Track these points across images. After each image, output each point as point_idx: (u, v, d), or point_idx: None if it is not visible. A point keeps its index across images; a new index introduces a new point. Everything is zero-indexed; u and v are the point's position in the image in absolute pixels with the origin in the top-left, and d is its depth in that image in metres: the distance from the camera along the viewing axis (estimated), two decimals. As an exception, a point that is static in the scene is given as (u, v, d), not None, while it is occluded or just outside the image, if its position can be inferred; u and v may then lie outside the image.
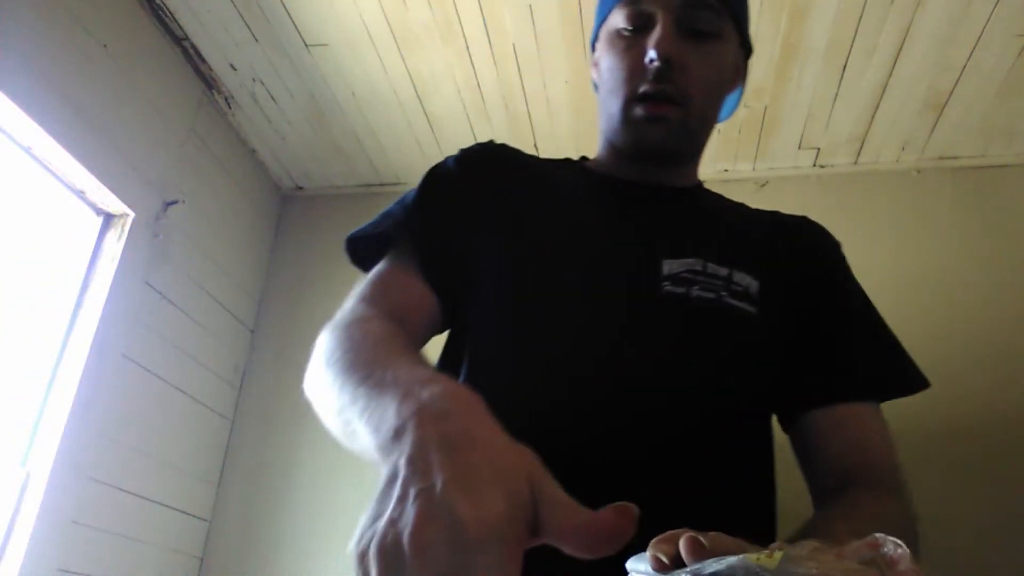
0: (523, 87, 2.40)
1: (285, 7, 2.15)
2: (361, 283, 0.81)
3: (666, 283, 0.77)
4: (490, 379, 0.72)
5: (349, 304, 0.77)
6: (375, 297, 0.77)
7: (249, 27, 2.22)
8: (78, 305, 1.97)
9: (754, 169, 2.71)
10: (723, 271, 0.79)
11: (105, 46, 2.01)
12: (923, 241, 2.52)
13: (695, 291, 0.77)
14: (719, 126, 2.54)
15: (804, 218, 0.96)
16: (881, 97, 2.38)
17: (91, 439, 1.91)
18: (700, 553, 0.36)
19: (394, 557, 0.33)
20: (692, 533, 0.38)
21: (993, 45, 2.17)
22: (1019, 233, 2.48)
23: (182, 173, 2.32)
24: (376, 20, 2.19)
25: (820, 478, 0.80)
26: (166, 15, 2.20)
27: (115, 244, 2.06)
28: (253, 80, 2.42)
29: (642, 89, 0.82)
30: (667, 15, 0.82)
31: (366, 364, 0.55)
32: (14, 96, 1.71)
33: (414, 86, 2.41)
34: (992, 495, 2.12)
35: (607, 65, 0.87)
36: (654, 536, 0.61)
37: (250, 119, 2.58)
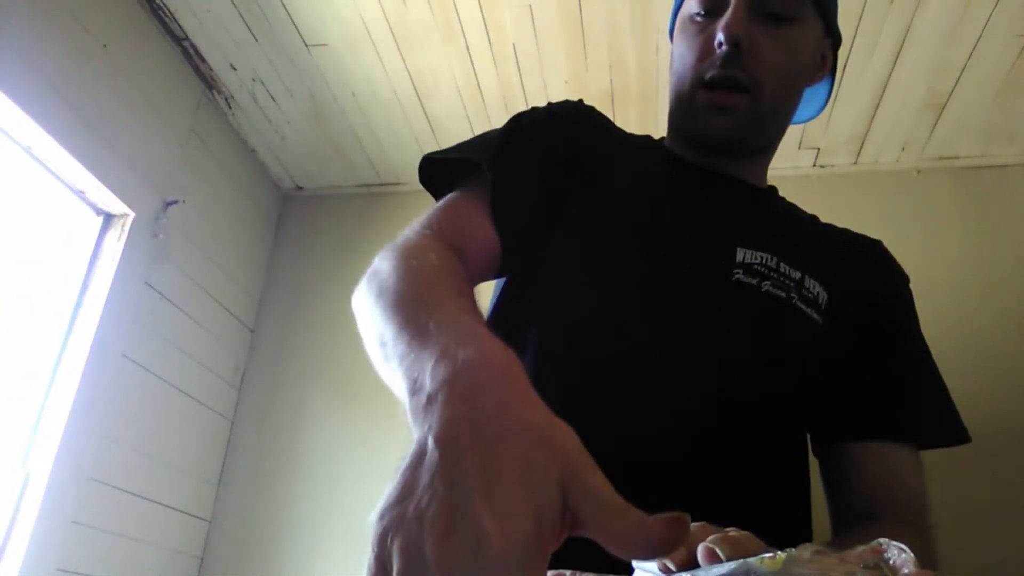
0: (523, 87, 2.40)
1: (285, 7, 2.15)
2: (428, 210, 0.76)
3: (738, 271, 0.74)
4: (559, 351, 0.70)
5: (411, 229, 0.72)
6: (439, 226, 0.71)
7: (249, 27, 2.22)
8: (78, 305, 1.97)
9: (754, 169, 2.71)
10: (796, 274, 0.76)
11: (105, 46, 2.01)
12: (923, 241, 2.52)
13: (766, 286, 0.74)
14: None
15: (878, 243, 0.94)
16: (881, 97, 2.38)
17: (91, 439, 1.90)
18: (716, 561, 0.36)
19: (418, 561, 0.32)
20: (713, 539, 0.38)
21: (993, 45, 2.17)
22: (1019, 233, 2.48)
23: (182, 173, 2.32)
24: (376, 20, 2.19)
25: (845, 508, 0.78)
26: (166, 15, 2.20)
27: (115, 244, 2.06)
28: (253, 80, 2.42)
29: (709, 75, 0.78)
30: None
31: (414, 302, 0.53)
32: (14, 96, 1.71)
33: (414, 86, 2.41)
34: (992, 495, 2.12)
35: (678, 51, 0.83)
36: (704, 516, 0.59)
37: (250, 119, 2.58)
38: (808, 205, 2.69)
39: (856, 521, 0.75)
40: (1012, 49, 2.19)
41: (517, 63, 2.31)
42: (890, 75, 2.29)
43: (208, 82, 2.44)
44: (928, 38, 2.16)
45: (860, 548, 0.32)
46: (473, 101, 2.46)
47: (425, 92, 2.43)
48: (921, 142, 2.56)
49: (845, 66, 2.27)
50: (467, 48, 2.27)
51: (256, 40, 2.27)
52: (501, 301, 0.81)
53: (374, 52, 2.29)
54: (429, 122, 2.55)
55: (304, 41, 2.26)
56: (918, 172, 2.65)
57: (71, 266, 1.99)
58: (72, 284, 1.98)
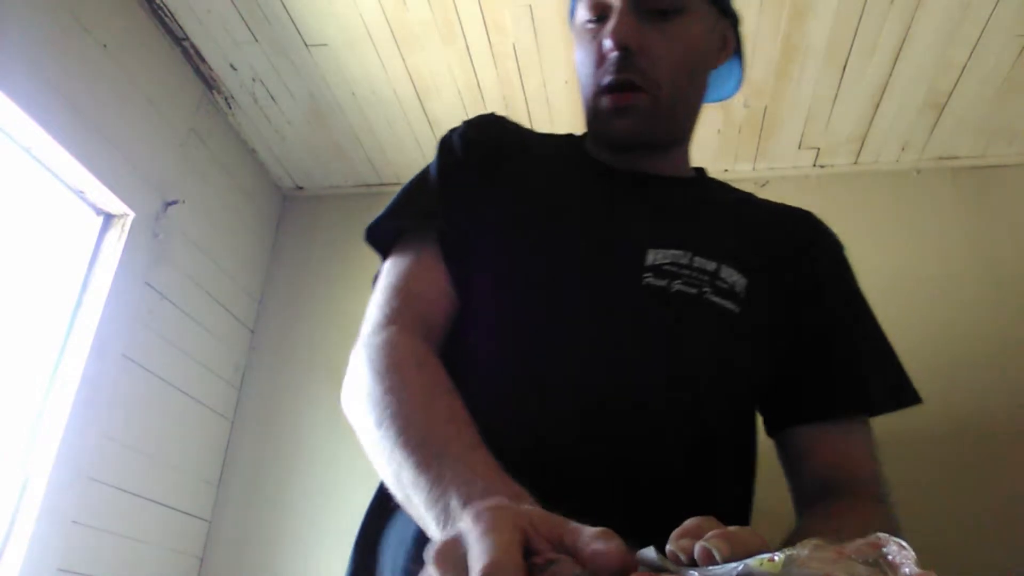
0: (523, 87, 2.40)
1: (285, 7, 2.15)
2: (384, 278, 0.80)
3: (648, 274, 0.75)
4: (479, 361, 0.72)
5: (376, 316, 0.75)
6: (402, 310, 0.75)
7: (249, 27, 2.22)
8: (78, 305, 1.97)
9: (754, 169, 2.71)
10: (711, 265, 0.76)
11: (105, 46, 2.01)
12: (923, 241, 2.52)
13: (677, 285, 0.74)
14: (719, 127, 2.55)
15: (808, 214, 0.93)
16: (881, 97, 2.38)
17: (91, 439, 1.90)
18: (713, 562, 0.36)
19: None
20: (710, 537, 0.38)
21: (993, 45, 2.17)
22: (1019, 233, 2.48)
23: (182, 173, 2.32)
24: (376, 20, 2.19)
25: (804, 486, 0.79)
26: (166, 15, 2.20)
27: (115, 244, 2.06)
28: (253, 80, 2.42)
29: (605, 81, 0.79)
30: (623, 0, 0.79)
31: (421, 444, 0.59)
32: (14, 96, 1.71)
33: (414, 86, 2.41)
34: (993, 495, 2.12)
35: (578, 59, 0.85)
36: (632, 525, 0.61)
37: (250, 119, 2.58)
38: (808, 205, 2.69)
39: (816, 498, 0.75)
40: (1012, 49, 2.19)
41: (517, 63, 2.31)
42: (890, 75, 2.30)
43: (208, 82, 2.44)
44: (928, 38, 2.16)
45: (859, 541, 0.32)
46: (473, 101, 2.46)
47: (425, 92, 2.44)
48: (921, 142, 2.56)
49: (845, 66, 2.27)
50: (467, 48, 2.27)
51: (256, 40, 2.27)
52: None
53: (374, 52, 2.29)
54: (429, 122, 2.55)
55: (304, 41, 2.26)
56: (918, 172, 2.65)
57: (71, 266, 1.99)
58: (72, 284, 1.98)
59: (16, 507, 1.74)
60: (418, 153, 2.69)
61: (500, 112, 2.58)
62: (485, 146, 0.87)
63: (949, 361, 2.32)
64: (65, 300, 1.95)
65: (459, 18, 2.16)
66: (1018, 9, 2.05)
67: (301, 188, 2.93)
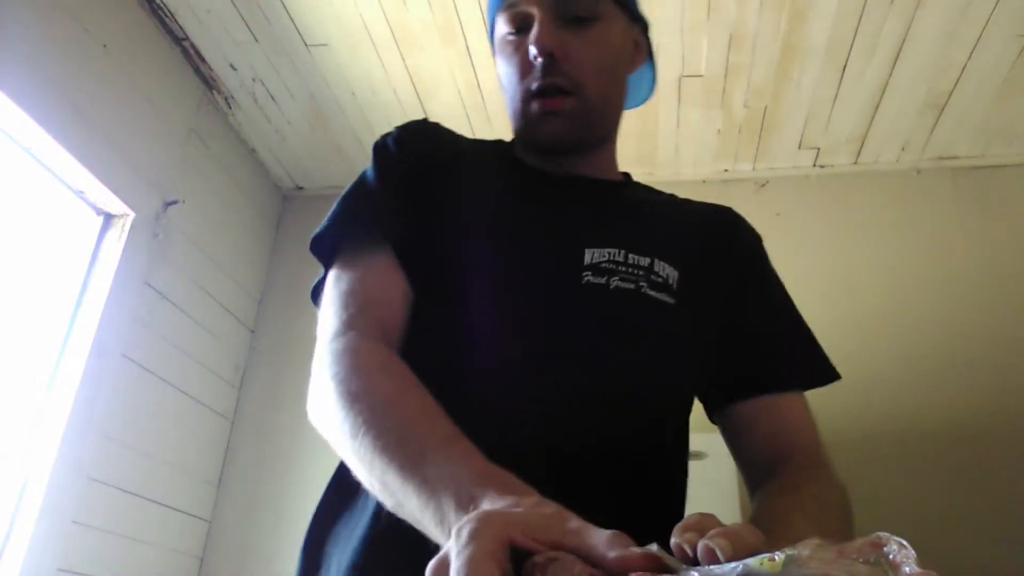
0: (523, 87, 2.40)
1: (285, 7, 2.15)
2: (336, 286, 0.82)
3: (587, 273, 0.78)
4: (423, 369, 0.73)
5: (333, 324, 0.77)
6: (357, 317, 0.76)
7: (249, 27, 2.22)
8: (78, 305, 1.97)
9: (754, 169, 2.71)
10: (644, 261, 0.80)
11: (105, 46, 2.01)
12: (923, 241, 2.52)
13: (615, 282, 0.78)
14: (719, 127, 2.55)
15: (728, 209, 0.97)
16: (881, 97, 2.38)
17: (91, 439, 1.90)
18: (715, 561, 0.36)
19: None
20: (713, 535, 0.38)
21: (993, 45, 2.17)
22: (1019, 233, 2.48)
23: (182, 173, 2.32)
24: (376, 20, 2.19)
25: (751, 459, 0.83)
26: (166, 15, 2.20)
27: (115, 244, 2.06)
28: (253, 80, 2.42)
29: (533, 86, 0.83)
30: (543, 10, 0.83)
31: (401, 445, 0.60)
32: (14, 96, 1.71)
33: (414, 86, 2.41)
34: (993, 495, 2.12)
35: (502, 71, 0.89)
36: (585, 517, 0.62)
37: (250, 119, 2.58)
38: (808, 205, 2.68)
39: (765, 472, 0.78)
40: (1012, 49, 2.19)
41: (517, 63, 2.31)
42: (890, 75, 2.30)
43: (208, 82, 2.44)
44: (928, 38, 2.16)
45: (859, 541, 0.32)
46: (473, 101, 2.46)
47: (425, 92, 2.44)
48: (921, 142, 2.57)
49: (845, 66, 2.27)
50: (467, 48, 2.27)
51: (256, 40, 2.27)
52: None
53: (374, 52, 2.29)
54: (429, 122, 2.55)
55: (304, 41, 2.26)
56: (918, 172, 2.65)
57: (71, 266, 1.99)
58: (72, 284, 1.98)
59: (16, 507, 1.74)
60: (418, 153, 2.69)
61: (500, 112, 2.59)
62: (419, 152, 0.90)
63: (948, 360, 2.32)
64: (65, 300, 1.95)
65: (459, 18, 2.16)
66: (1018, 9, 2.05)
67: (301, 188, 2.93)
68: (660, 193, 0.97)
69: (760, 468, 0.80)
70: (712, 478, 1.78)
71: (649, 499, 0.74)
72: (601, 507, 0.57)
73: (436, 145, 0.92)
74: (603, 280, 0.78)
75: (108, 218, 2.10)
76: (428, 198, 0.85)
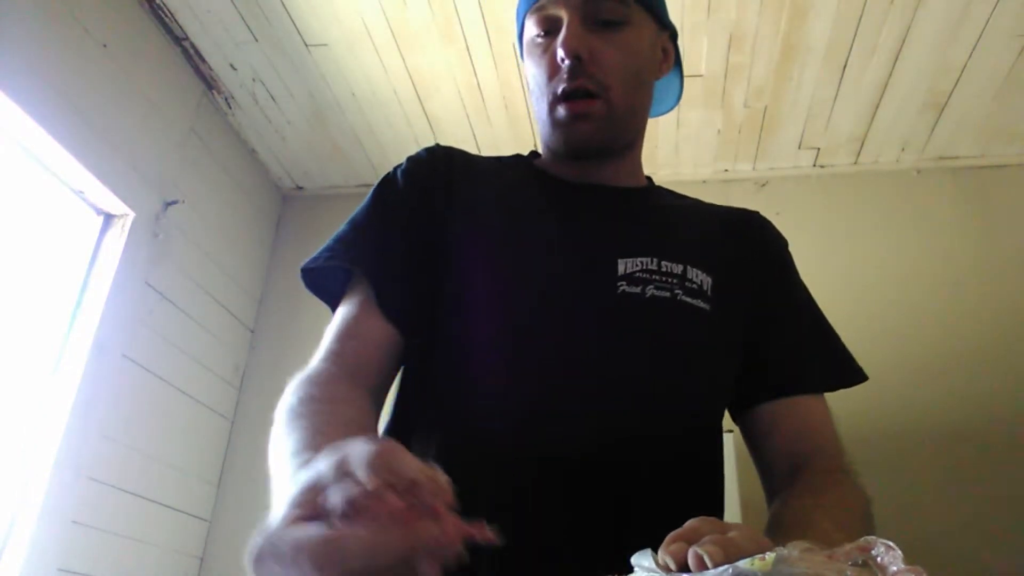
0: (523, 87, 2.40)
1: (285, 7, 2.15)
2: (330, 326, 0.83)
3: (622, 283, 0.79)
4: (458, 390, 0.74)
5: (315, 358, 0.79)
6: (334, 352, 0.78)
7: (249, 27, 2.23)
8: (78, 305, 1.97)
9: (754, 169, 2.71)
10: (678, 268, 0.81)
11: (105, 46, 2.01)
12: (923, 241, 2.52)
13: (650, 290, 0.78)
14: (719, 127, 2.55)
15: (755, 214, 0.98)
16: (881, 97, 2.38)
17: (91, 439, 1.91)
18: (704, 568, 0.36)
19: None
20: (705, 542, 0.38)
21: (993, 45, 2.17)
22: (1019, 233, 2.48)
23: (182, 173, 2.32)
24: (376, 20, 2.19)
25: (772, 465, 0.83)
26: (166, 15, 2.21)
27: (115, 244, 2.06)
28: (253, 80, 2.43)
29: (560, 89, 0.83)
30: (572, 13, 0.84)
31: (306, 448, 0.62)
32: (14, 96, 1.71)
33: (414, 86, 2.41)
34: (994, 494, 2.12)
35: (530, 73, 0.90)
36: (616, 528, 0.62)
37: (250, 119, 2.59)
38: (808, 205, 2.68)
39: (786, 476, 0.79)
40: (1012, 49, 2.19)
41: (517, 63, 2.31)
42: (890, 75, 2.29)
43: (208, 82, 2.44)
44: (928, 38, 2.16)
45: (848, 545, 0.32)
46: (473, 101, 2.46)
47: (425, 92, 2.44)
48: (921, 142, 2.56)
49: (845, 66, 2.27)
50: (467, 48, 2.27)
51: (256, 40, 2.27)
52: (418, 357, 0.85)
53: (374, 52, 2.29)
54: (429, 122, 2.55)
55: (304, 41, 2.27)
56: (918, 172, 2.65)
57: (71, 266, 2.00)
58: (72, 284, 1.98)
59: (16, 507, 1.74)
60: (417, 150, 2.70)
61: (500, 112, 2.60)
62: (431, 177, 0.90)
63: (948, 360, 2.32)
64: (65, 300, 1.96)
65: (459, 18, 2.17)
66: (1018, 9, 2.05)
67: (301, 188, 2.93)
68: (685, 198, 0.97)
69: (781, 471, 0.80)
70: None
71: (686, 503, 0.74)
72: (642, 510, 0.57)
73: (450, 166, 0.91)
74: (639, 289, 0.78)
75: (108, 218, 2.10)
76: (446, 219, 0.85)
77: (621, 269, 0.79)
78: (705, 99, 2.42)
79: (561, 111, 0.84)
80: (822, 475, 0.75)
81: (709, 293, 0.81)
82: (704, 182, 2.72)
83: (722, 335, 0.81)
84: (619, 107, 0.85)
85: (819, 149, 2.62)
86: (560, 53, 0.82)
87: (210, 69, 2.39)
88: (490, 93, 2.42)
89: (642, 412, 0.74)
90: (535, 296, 0.79)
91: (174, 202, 2.26)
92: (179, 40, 2.29)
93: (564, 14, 0.84)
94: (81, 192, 2.01)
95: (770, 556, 0.32)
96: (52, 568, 1.78)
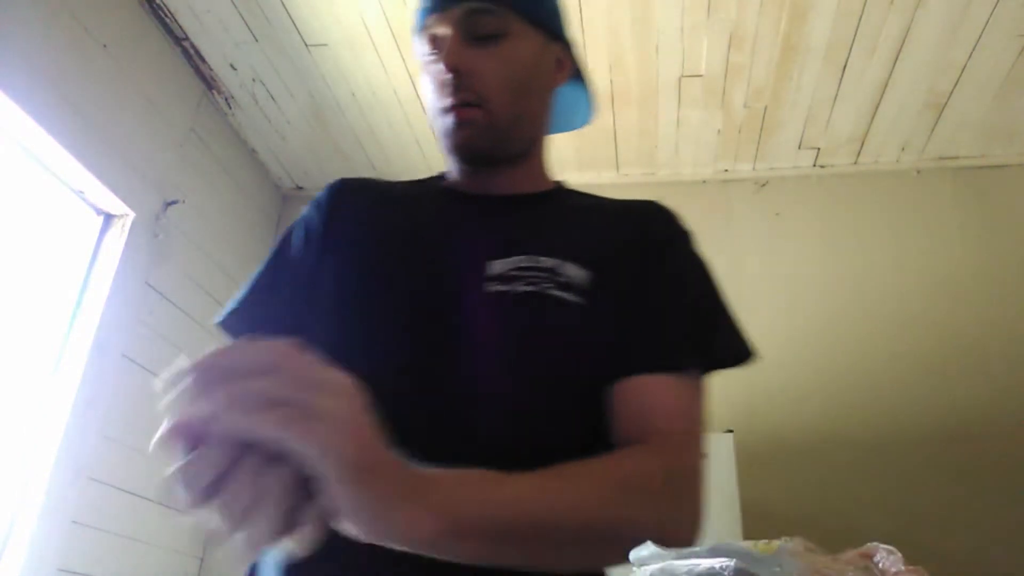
0: (523, 87, 2.40)
1: (285, 7, 2.15)
2: None
3: (493, 283, 0.81)
4: None
5: None
6: None
7: (249, 27, 2.23)
8: (78, 305, 1.97)
9: (754, 169, 2.71)
10: (551, 263, 0.83)
11: (105, 46, 2.01)
12: (923, 241, 2.52)
13: (519, 286, 0.81)
14: (719, 127, 2.55)
15: (650, 203, 0.97)
16: (881, 97, 2.38)
17: (91, 439, 1.91)
18: None
19: None
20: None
21: (993, 45, 2.17)
22: (1019, 233, 2.48)
23: (182, 173, 2.32)
24: (376, 20, 2.19)
25: (615, 445, 0.81)
26: (166, 15, 2.21)
27: (115, 244, 2.06)
28: (253, 80, 2.42)
29: (445, 102, 0.88)
30: (452, 31, 0.88)
31: None
32: (14, 96, 1.71)
33: (414, 86, 2.41)
34: (994, 496, 2.12)
35: (424, 90, 0.94)
36: None
37: (250, 119, 2.59)
38: (808, 205, 2.68)
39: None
40: (1012, 49, 2.19)
41: (517, 63, 2.31)
42: (890, 75, 2.30)
43: (208, 82, 2.44)
44: (928, 38, 2.16)
45: (851, 552, 0.33)
46: (473, 101, 2.46)
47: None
48: (921, 142, 2.56)
49: (845, 66, 2.27)
50: (467, 48, 2.27)
51: (256, 40, 2.27)
52: None
53: (374, 52, 2.29)
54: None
55: (304, 41, 2.27)
56: (918, 172, 2.65)
57: (71, 266, 2.00)
58: (72, 284, 1.98)
59: (16, 507, 1.74)
60: (418, 153, 2.70)
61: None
62: (318, 218, 0.95)
63: (948, 359, 2.32)
64: (65, 300, 1.96)
65: (459, 18, 2.16)
66: (1018, 9, 2.05)
67: (301, 188, 2.93)
68: (590, 197, 0.99)
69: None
70: (712, 478, 1.78)
71: None
72: None
73: (339, 203, 0.96)
74: (508, 287, 0.81)
75: (108, 218, 2.10)
76: (322, 260, 0.89)
77: (493, 270, 0.82)
78: (705, 99, 2.42)
79: (447, 120, 0.88)
80: (628, 448, 0.74)
81: (584, 287, 0.82)
82: (704, 182, 2.72)
83: (592, 328, 0.82)
84: (501, 115, 0.88)
85: (819, 149, 2.62)
86: (441, 68, 0.87)
87: (210, 69, 2.39)
88: (490, 93, 2.42)
89: (506, 405, 0.76)
90: (403, 308, 0.82)
91: (174, 202, 2.26)
92: (179, 40, 2.29)
93: (446, 32, 0.88)
94: (81, 192, 2.01)
95: (775, 543, 0.33)
96: (52, 568, 1.78)
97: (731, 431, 1.87)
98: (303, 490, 0.44)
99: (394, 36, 2.24)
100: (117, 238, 2.07)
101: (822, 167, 2.68)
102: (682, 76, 2.34)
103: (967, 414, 2.24)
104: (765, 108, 2.44)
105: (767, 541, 0.33)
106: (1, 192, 1.83)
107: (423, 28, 0.91)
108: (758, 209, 2.64)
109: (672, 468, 0.72)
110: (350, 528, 0.48)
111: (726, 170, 2.71)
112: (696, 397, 0.80)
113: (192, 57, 2.35)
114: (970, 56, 2.20)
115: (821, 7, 2.08)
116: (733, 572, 0.33)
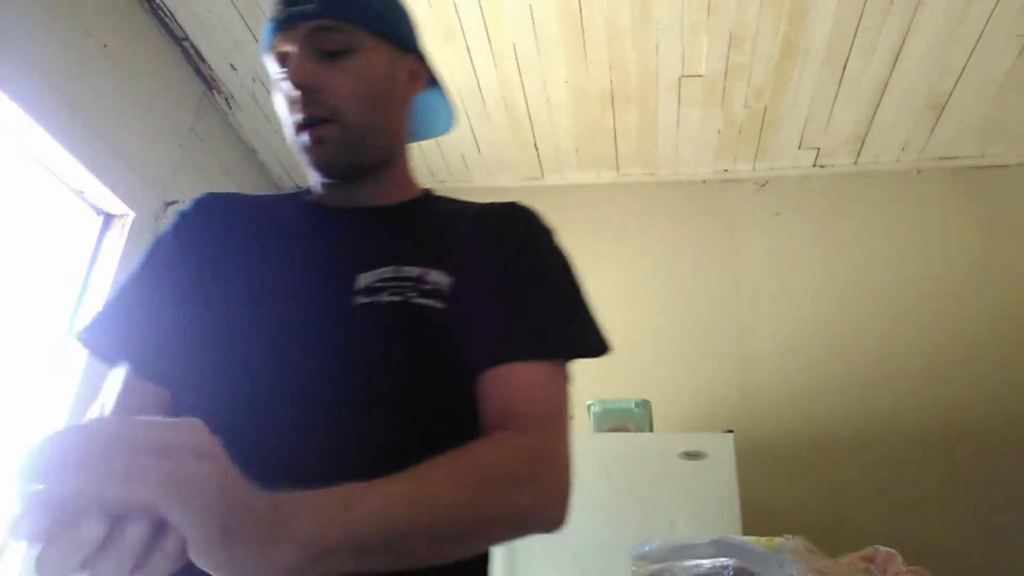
0: (523, 87, 2.40)
1: (285, 7, 2.15)
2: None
3: (359, 296, 0.82)
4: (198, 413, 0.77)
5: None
6: (119, 409, 0.79)
7: (249, 27, 2.23)
8: (78, 305, 1.97)
9: (754, 169, 2.71)
10: (415, 272, 0.84)
11: (105, 46, 2.01)
12: (922, 241, 2.52)
13: (384, 297, 0.82)
14: (719, 127, 2.54)
15: (510, 205, 0.98)
16: (881, 97, 2.38)
17: (91, 439, 1.91)
18: None
19: None
20: None
21: (993, 45, 2.17)
22: (1019, 233, 2.48)
23: (182, 173, 2.32)
24: (376, 20, 2.19)
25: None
26: (166, 15, 2.21)
27: (115, 244, 2.06)
28: (253, 80, 2.42)
29: (296, 119, 0.90)
30: (298, 48, 0.89)
31: None
32: (14, 96, 1.71)
33: (414, 86, 2.41)
34: (993, 496, 2.12)
35: (277, 107, 0.95)
36: None
37: (250, 119, 2.59)
38: (808, 205, 2.68)
39: None
40: (1012, 49, 2.19)
41: (517, 63, 2.31)
42: (890, 75, 2.30)
43: (208, 82, 2.44)
44: (928, 38, 2.16)
45: (852, 555, 0.33)
46: (473, 101, 2.46)
47: (425, 92, 2.43)
48: (921, 142, 2.56)
49: (845, 66, 2.27)
50: (467, 48, 2.27)
51: (256, 40, 2.27)
52: None
53: (374, 52, 2.29)
54: (429, 122, 2.55)
55: (304, 41, 2.26)
56: (918, 172, 2.65)
57: (71, 266, 2.00)
58: (72, 284, 1.98)
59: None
60: (417, 153, 2.70)
61: (500, 113, 2.59)
62: (186, 231, 0.95)
63: (947, 359, 2.32)
64: (65, 300, 1.96)
65: (459, 18, 2.16)
66: (1018, 9, 2.05)
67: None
68: (455, 203, 1.00)
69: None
70: (712, 478, 1.78)
71: None
72: None
73: (207, 217, 0.96)
74: (373, 299, 0.82)
75: (108, 218, 2.10)
76: (190, 273, 0.89)
77: (359, 283, 0.83)
78: (705, 99, 2.42)
79: (303, 138, 0.89)
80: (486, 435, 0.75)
81: (447, 291, 0.83)
82: (704, 182, 2.72)
83: (456, 332, 0.82)
84: (356, 128, 0.89)
85: (819, 149, 2.62)
86: (288, 86, 0.88)
87: (210, 69, 2.39)
88: (490, 93, 2.42)
89: (377, 413, 0.77)
90: (268, 325, 0.82)
91: (174, 202, 2.26)
92: (179, 40, 2.29)
93: (292, 49, 0.89)
94: (81, 192, 2.01)
95: (776, 539, 0.33)
96: (52, 568, 1.78)
97: (731, 431, 1.87)
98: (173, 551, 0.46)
99: (394, 36, 2.24)
100: (117, 238, 2.07)
101: (822, 167, 2.68)
102: (682, 76, 2.34)
103: (966, 413, 2.24)
104: (765, 108, 2.44)
105: (769, 538, 0.33)
106: (1, 192, 1.83)
107: (270, 47, 0.92)
108: (758, 209, 2.64)
109: (535, 450, 0.72)
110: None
111: (726, 170, 2.71)
112: (558, 383, 0.82)
113: (192, 57, 2.35)
114: (970, 56, 2.21)
115: (821, 7, 2.08)
116: (734, 572, 0.33)
